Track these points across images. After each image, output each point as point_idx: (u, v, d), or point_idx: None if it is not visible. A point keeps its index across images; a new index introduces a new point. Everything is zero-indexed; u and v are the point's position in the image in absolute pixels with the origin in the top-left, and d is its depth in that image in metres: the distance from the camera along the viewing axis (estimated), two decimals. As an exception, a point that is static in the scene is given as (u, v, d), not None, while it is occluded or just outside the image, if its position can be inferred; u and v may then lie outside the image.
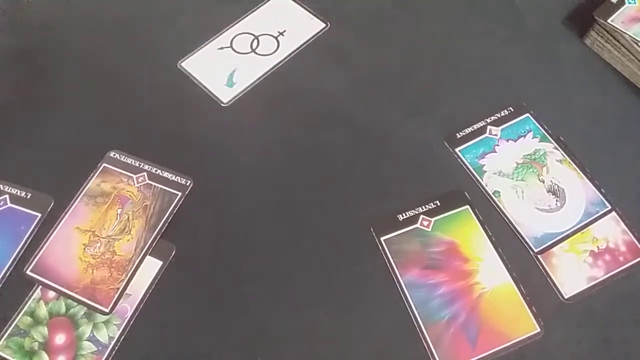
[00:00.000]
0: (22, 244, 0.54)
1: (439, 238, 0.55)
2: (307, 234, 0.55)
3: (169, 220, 0.56)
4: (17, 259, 0.54)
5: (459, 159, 0.59)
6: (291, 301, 0.52)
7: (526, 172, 0.58)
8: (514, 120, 0.61)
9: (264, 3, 0.71)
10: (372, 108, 0.63)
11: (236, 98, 0.64)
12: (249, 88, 0.64)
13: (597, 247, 0.54)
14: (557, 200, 0.56)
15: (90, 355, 0.50)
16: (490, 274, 0.53)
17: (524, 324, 0.50)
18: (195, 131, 0.62)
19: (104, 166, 0.59)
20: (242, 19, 0.70)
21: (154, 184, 0.58)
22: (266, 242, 0.55)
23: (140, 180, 0.58)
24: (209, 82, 0.65)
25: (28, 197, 0.57)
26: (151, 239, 0.54)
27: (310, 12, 0.70)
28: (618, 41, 0.62)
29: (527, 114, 0.61)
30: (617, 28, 0.62)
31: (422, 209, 0.56)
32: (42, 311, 0.52)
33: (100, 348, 0.50)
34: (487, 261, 0.53)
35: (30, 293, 0.52)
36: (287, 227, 0.56)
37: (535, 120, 0.61)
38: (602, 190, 0.56)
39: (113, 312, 0.51)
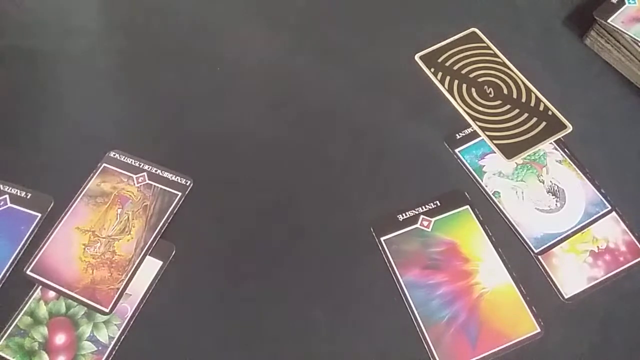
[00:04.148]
0: (22, 244, 0.54)
1: (439, 238, 0.55)
2: (307, 234, 0.56)
3: (169, 220, 0.56)
4: (17, 259, 0.54)
5: (458, 160, 0.59)
6: (291, 301, 0.52)
7: (526, 172, 0.58)
8: (514, 120, 0.61)
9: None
10: (372, 108, 0.63)
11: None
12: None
13: (597, 247, 0.54)
14: (557, 201, 0.56)
15: (90, 355, 0.50)
16: (491, 274, 0.53)
17: (524, 324, 0.50)
18: (195, 131, 0.62)
19: (104, 166, 0.59)
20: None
21: (154, 184, 0.58)
22: (266, 242, 0.55)
23: (140, 180, 0.58)
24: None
25: (28, 197, 0.57)
26: (151, 239, 0.54)
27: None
28: (618, 41, 0.62)
29: (527, 114, 0.61)
30: (617, 28, 0.62)
31: (422, 209, 0.56)
32: (42, 311, 0.52)
33: (100, 348, 0.50)
34: (487, 261, 0.53)
35: (30, 293, 0.52)
36: (287, 227, 0.56)
37: (535, 121, 0.61)
38: (602, 190, 0.56)
39: (113, 312, 0.51)
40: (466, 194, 0.57)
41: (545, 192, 0.57)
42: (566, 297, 0.52)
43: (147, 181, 0.58)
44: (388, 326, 0.51)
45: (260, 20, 0.70)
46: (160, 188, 0.57)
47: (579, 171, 0.58)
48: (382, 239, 0.55)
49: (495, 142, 0.59)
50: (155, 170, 0.58)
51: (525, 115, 0.60)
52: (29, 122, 0.62)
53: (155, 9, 0.71)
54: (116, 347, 0.50)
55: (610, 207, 0.55)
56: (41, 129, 0.61)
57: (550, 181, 0.57)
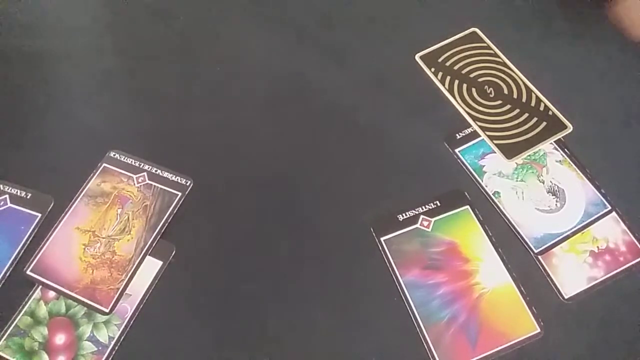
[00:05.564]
0: (22, 244, 0.54)
1: (439, 238, 0.55)
2: (307, 234, 0.56)
3: (169, 220, 0.56)
4: (17, 259, 0.54)
5: (459, 160, 0.59)
6: (291, 301, 0.52)
7: (526, 172, 0.58)
8: (514, 120, 0.61)
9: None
10: (372, 108, 0.63)
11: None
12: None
13: (597, 247, 0.54)
14: (557, 201, 0.56)
15: (90, 355, 0.50)
16: (491, 274, 0.53)
17: (524, 324, 0.50)
18: (196, 131, 0.62)
19: (104, 166, 0.59)
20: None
21: (154, 184, 0.58)
22: (266, 242, 0.55)
23: (140, 180, 0.58)
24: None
25: (28, 197, 0.57)
26: (151, 239, 0.55)
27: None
28: None
29: (527, 114, 0.61)
30: None
31: (422, 209, 0.56)
32: (42, 311, 0.52)
33: (100, 348, 0.50)
34: (487, 261, 0.53)
35: (30, 293, 0.52)
36: (287, 227, 0.56)
37: (535, 121, 0.61)
38: (602, 190, 0.56)
39: (113, 312, 0.51)
40: (466, 194, 0.57)
41: (545, 192, 0.57)
42: (566, 297, 0.52)
43: (147, 181, 0.58)
44: (388, 326, 0.51)
45: (260, 20, 0.70)
46: (160, 188, 0.57)
47: (579, 171, 0.58)
48: (382, 239, 0.55)
49: (495, 142, 0.59)
50: (155, 170, 0.58)
51: (526, 115, 0.60)
52: (29, 122, 0.62)
53: (155, 9, 0.71)
54: (116, 347, 0.50)
55: (610, 207, 0.55)
56: (42, 129, 0.62)
57: (550, 181, 0.57)
